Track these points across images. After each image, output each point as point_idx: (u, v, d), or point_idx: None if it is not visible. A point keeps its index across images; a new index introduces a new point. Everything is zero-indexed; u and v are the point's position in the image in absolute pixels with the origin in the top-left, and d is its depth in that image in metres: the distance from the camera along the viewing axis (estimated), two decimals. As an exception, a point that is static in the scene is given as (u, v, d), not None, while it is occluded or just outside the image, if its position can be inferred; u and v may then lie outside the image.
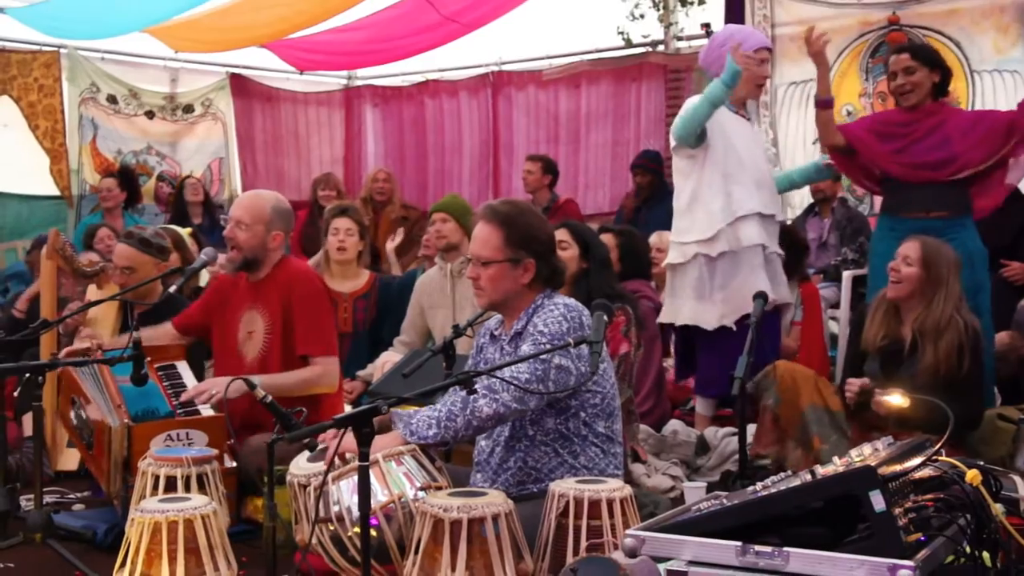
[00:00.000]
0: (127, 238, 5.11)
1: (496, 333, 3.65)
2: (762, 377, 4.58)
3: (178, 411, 4.17)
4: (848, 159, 5.17)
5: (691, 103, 5.13)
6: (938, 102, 5.03)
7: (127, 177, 8.61)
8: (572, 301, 3.50)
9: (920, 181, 4.93)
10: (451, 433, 3.31)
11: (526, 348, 3.35)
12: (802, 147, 7.79)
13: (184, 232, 6.21)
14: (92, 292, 5.33)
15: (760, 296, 4.25)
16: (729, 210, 5.08)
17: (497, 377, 3.23)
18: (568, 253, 4.75)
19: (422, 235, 6.93)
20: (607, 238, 5.45)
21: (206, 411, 4.15)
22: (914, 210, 4.96)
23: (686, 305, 5.27)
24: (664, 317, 5.42)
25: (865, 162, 5.14)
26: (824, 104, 5.05)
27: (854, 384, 4.25)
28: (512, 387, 3.24)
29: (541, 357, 3.28)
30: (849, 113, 7.51)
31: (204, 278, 6.15)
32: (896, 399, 3.32)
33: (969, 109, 6.98)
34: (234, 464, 4.04)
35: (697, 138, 5.09)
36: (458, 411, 3.28)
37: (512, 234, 3.48)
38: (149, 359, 4.25)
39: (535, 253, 3.50)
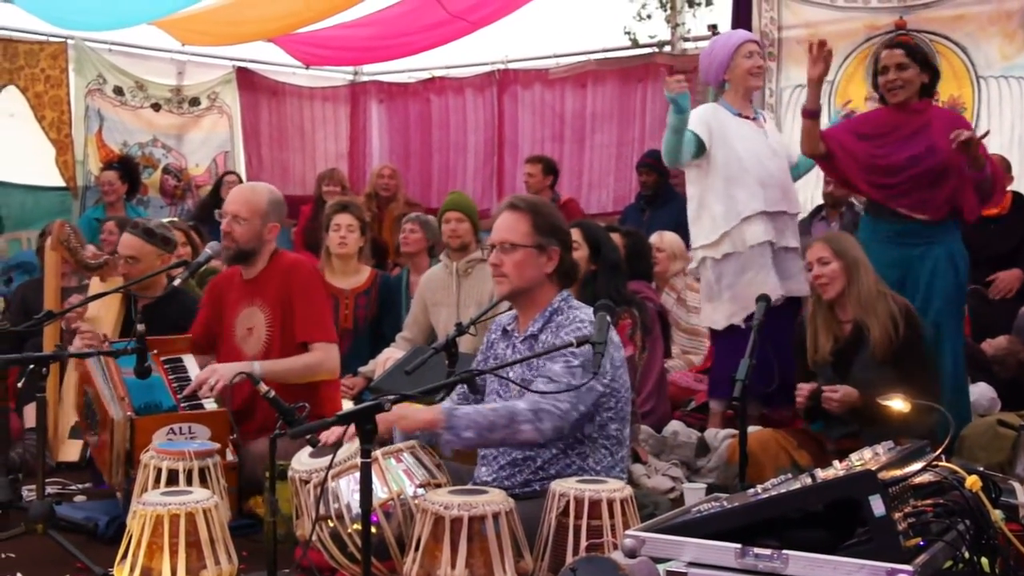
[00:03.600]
0: (132, 228, 5.11)
1: (509, 328, 3.62)
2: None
3: (182, 405, 4.17)
4: (830, 164, 5.10)
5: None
6: (923, 101, 4.92)
7: (127, 168, 8.58)
8: (591, 311, 3.42)
9: (889, 204, 4.83)
10: (485, 443, 3.32)
11: (558, 368, 3.31)
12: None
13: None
14: (95, 285, 5.33)
15: (762, 299, 4.25)
16: (734, 212, 5.09)
17: (547, 406, 3.22)
18: (577, 254, 4.74)
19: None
20: (614, 238, 5.44)
21: (209, 405, 4.16)
22: (894, 214, 4.84)
23: (702, 308, 5.42)
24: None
25: (839, 173, 5.08)
26: (810, 114, 4.93)
27: (804, 389, 4.26)
28: (556, 417, 3.23)
29: (582, 387, 3.24)
30: (853, 115, 7.47)
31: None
32: (897, 403, 3.31)
33: (970, 113, 7.00)
34: (235, 459, 4.05)
35: (697, 149, 5.12)
36: (501, 425, 3.22)
37: (539, 221, 3.49)
38: (155, 352, 4.26)
39: (561, 243, 3.52)
